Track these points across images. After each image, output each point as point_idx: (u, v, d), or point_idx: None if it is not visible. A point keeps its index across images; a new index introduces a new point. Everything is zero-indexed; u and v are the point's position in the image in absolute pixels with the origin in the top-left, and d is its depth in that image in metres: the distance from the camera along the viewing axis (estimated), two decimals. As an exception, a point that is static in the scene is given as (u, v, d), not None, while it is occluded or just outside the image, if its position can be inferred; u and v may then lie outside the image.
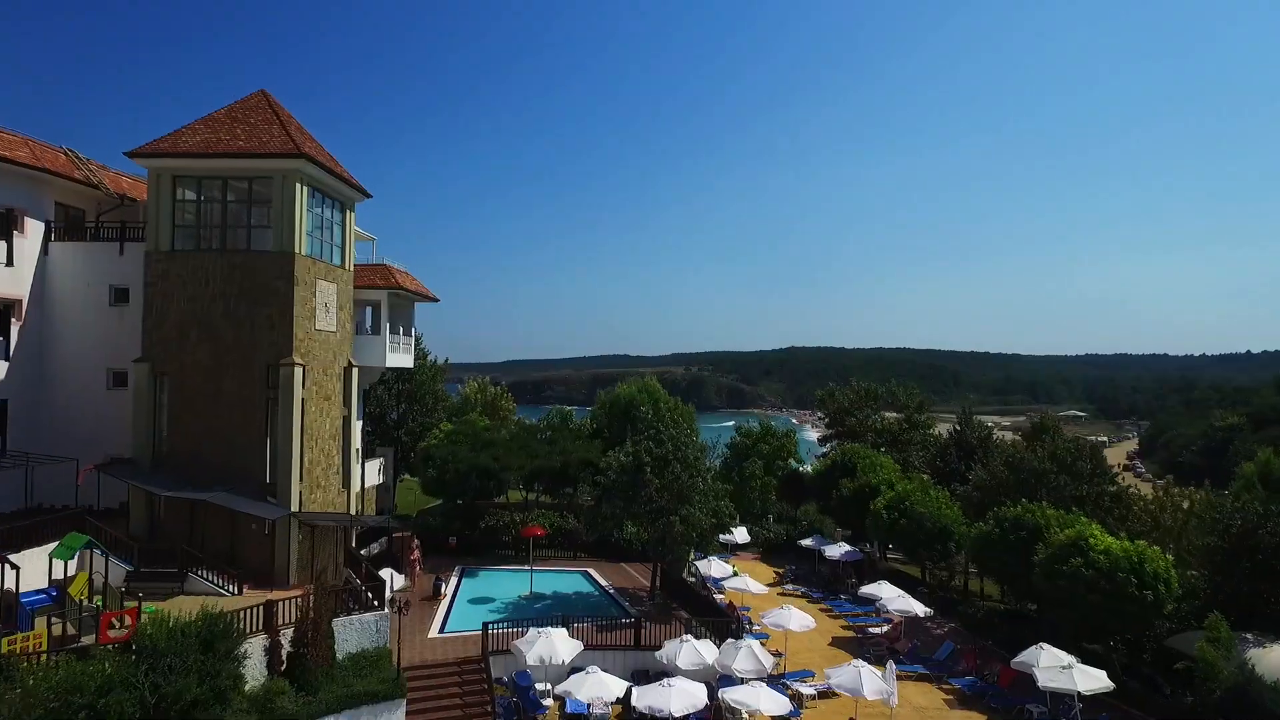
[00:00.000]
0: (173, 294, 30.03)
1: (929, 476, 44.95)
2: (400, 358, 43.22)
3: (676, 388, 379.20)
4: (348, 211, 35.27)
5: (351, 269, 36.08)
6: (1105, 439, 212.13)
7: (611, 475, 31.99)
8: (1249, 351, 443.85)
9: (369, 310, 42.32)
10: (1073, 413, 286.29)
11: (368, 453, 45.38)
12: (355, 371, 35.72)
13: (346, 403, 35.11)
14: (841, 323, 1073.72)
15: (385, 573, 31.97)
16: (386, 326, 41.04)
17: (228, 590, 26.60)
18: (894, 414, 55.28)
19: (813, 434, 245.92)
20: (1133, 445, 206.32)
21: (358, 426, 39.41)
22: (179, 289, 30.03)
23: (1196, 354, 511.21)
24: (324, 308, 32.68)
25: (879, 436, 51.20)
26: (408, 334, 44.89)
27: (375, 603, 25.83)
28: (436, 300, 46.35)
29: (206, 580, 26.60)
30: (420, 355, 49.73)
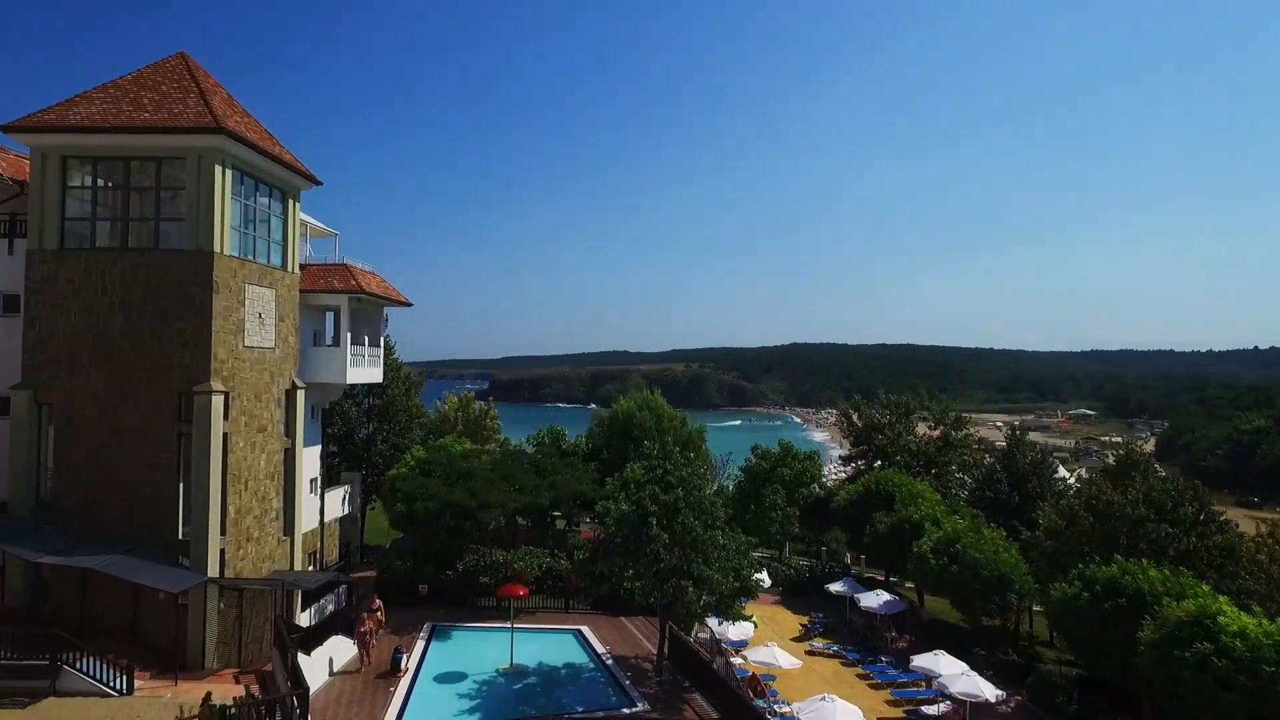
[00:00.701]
0: (61, 303, 24.20)
1: (974, 509, 39.32)
2: (365, 372, 37.41)
3: (677, 386, 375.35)
4: (290, 201, 29.41)
5: (297, 270, 30.25)
6: (1119, 439, 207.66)
7: (610, 526, 26.25)
8: (1256, 348, 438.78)
9: (330, 317, 36.54)
10: (1082, 411, 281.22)
11: (329, 481, 39.80)
12: (301, 394, 29.93)
13: (290, 431, 29.34)
14: (844, 319, 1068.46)
15: (328, 648, 26.17)
16: (348, 336, 35.22)
17: (114, 687, 20.81)
18: (928, 426, 49.40)
19: (818, 435, 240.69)
20: (1147, 445, 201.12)
21: (310, 455, 33.74)
22: (69, 297, 24.20)
23: (1203, 349, 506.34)
24: (256, 319, 26.86)
25: (913, 458, 45.44)
26: (375, 343, 39.07)
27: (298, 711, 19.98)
28: (408, 304, 40.59)
29: (87, 674, 20.79)
30: (393, 365, 43.94)
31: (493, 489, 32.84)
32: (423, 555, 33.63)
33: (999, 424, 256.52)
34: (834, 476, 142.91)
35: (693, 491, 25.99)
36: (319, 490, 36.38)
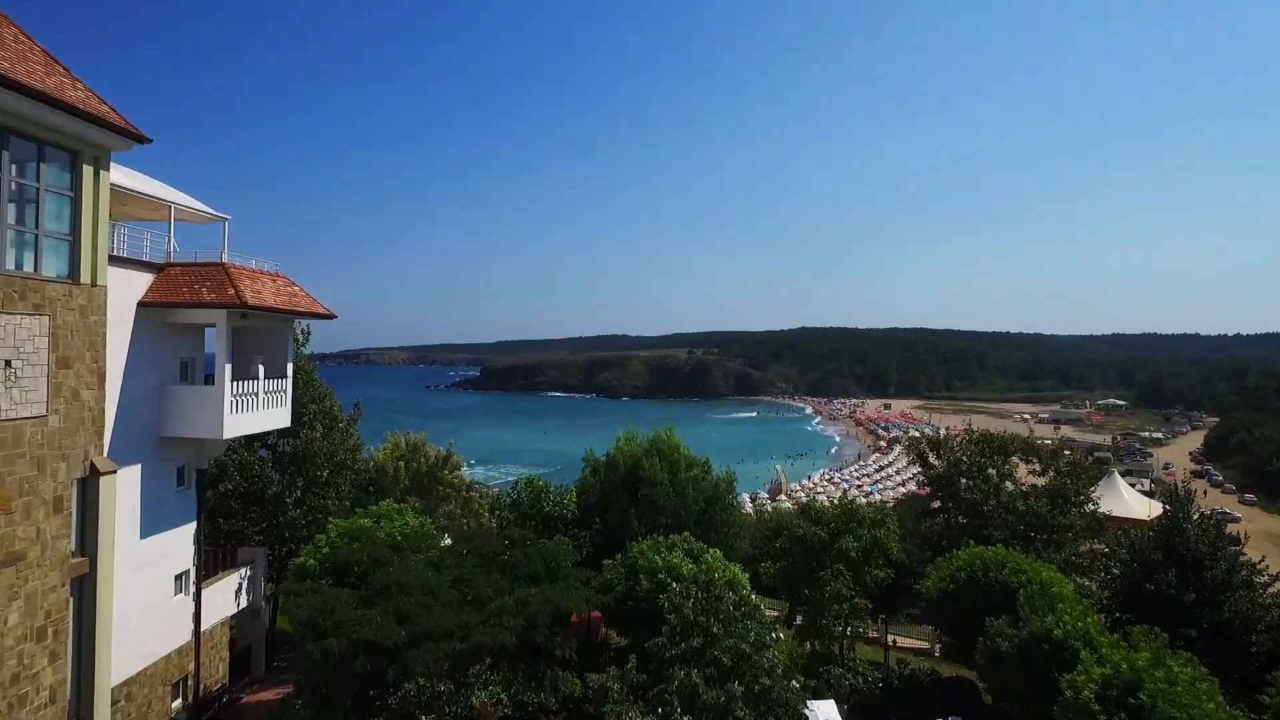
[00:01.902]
0: None
1: (1116, 607, 28.60)
2: (258, 418, 26.65)
3: (679, 373, 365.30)
4: (89, 169, 18.40)
5: (103, 280, 19.33)
6: (1160, 435, 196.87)
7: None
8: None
9: (210, 334, 25.80)
10: (1112, 401, 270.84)
11: (218, 565, 29.33)
12: (111, 480, 19.11)
13: (89, 542, 18.57)
14: (854, 301, 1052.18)
15: None
16: (227, 371, 24.44)
17: None
18: (1032, 469, 37.90)
19: (832, 431, 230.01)
20: (1190, 440, 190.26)
21: (172, 542, 23.29)
22: None
23: (1230, 333, 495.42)
24: (3, 370, 15.99)
25: (1018, 519, 34.13)
26: (281, 373, 28.26)
27: None
28: (329, 316, 29.79)
29: None
30: (316, 396, 33.04)
31: (434, 610, 22.02)
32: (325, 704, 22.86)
33: (1025, 415, 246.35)
34: (859, 483, 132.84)
35: (757, 676, 15.14)
36: (189, 587, 25.95)
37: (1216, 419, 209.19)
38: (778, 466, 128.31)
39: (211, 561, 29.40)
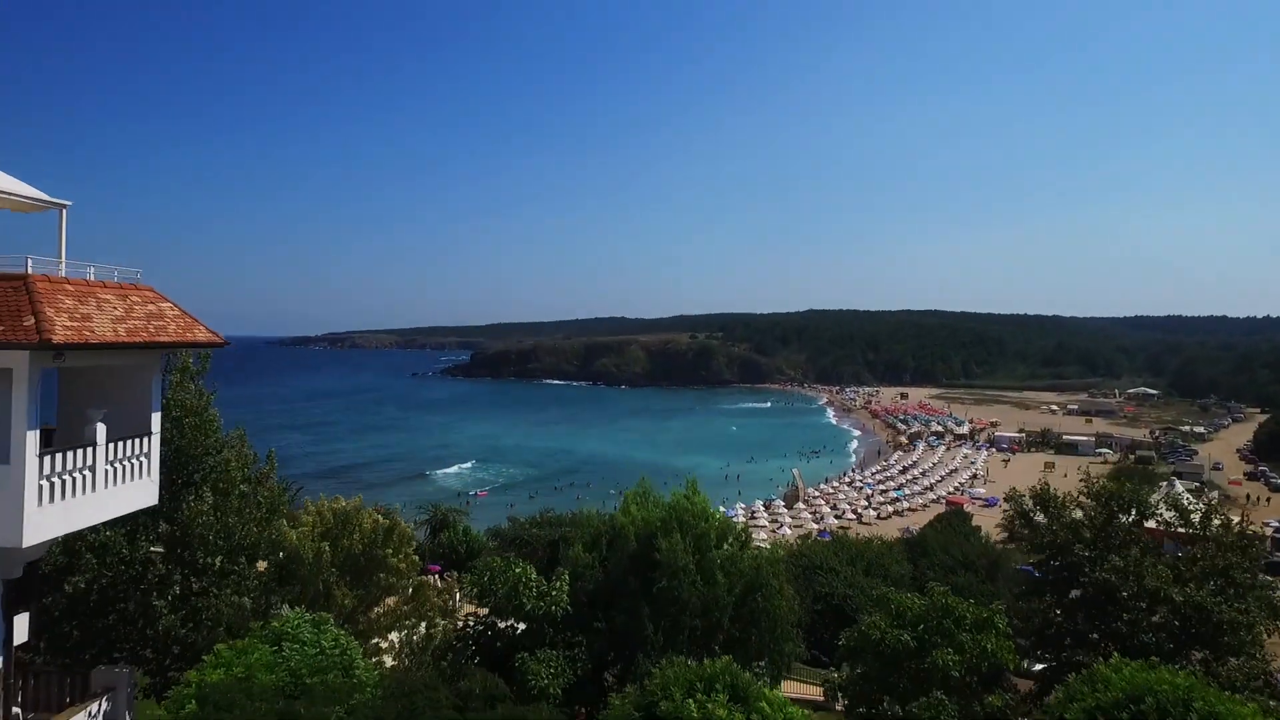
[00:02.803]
0: None
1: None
2: (89, 507, 18.26)
3: (682, 360, 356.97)
4: None
5: None
6: (1201, 428, 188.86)
7: None
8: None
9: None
10: (1142, 390, 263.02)
11: (64, 696, 21.18)
12: None
13: None
14: (864, 282, 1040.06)
15: None
16: (32, 440, 16.15)
17: None
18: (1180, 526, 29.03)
19: (847, 425, 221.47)
20: (1234, 434, 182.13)
21: None
22: None
23: (1259, 315, 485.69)
24: None
25: (1172, 610, 25.49)
26: (141, 430, 19.79)
27: None
28: (220, 345, 21.26)
29: None
30: (212, 448, 24.62)
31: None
32: None
33: (1053, 406, 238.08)
34: (883, 487, 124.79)
35: None
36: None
37: (1260, 410, 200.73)
38: (794, 471, 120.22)
39: (55, 690, 21.18)
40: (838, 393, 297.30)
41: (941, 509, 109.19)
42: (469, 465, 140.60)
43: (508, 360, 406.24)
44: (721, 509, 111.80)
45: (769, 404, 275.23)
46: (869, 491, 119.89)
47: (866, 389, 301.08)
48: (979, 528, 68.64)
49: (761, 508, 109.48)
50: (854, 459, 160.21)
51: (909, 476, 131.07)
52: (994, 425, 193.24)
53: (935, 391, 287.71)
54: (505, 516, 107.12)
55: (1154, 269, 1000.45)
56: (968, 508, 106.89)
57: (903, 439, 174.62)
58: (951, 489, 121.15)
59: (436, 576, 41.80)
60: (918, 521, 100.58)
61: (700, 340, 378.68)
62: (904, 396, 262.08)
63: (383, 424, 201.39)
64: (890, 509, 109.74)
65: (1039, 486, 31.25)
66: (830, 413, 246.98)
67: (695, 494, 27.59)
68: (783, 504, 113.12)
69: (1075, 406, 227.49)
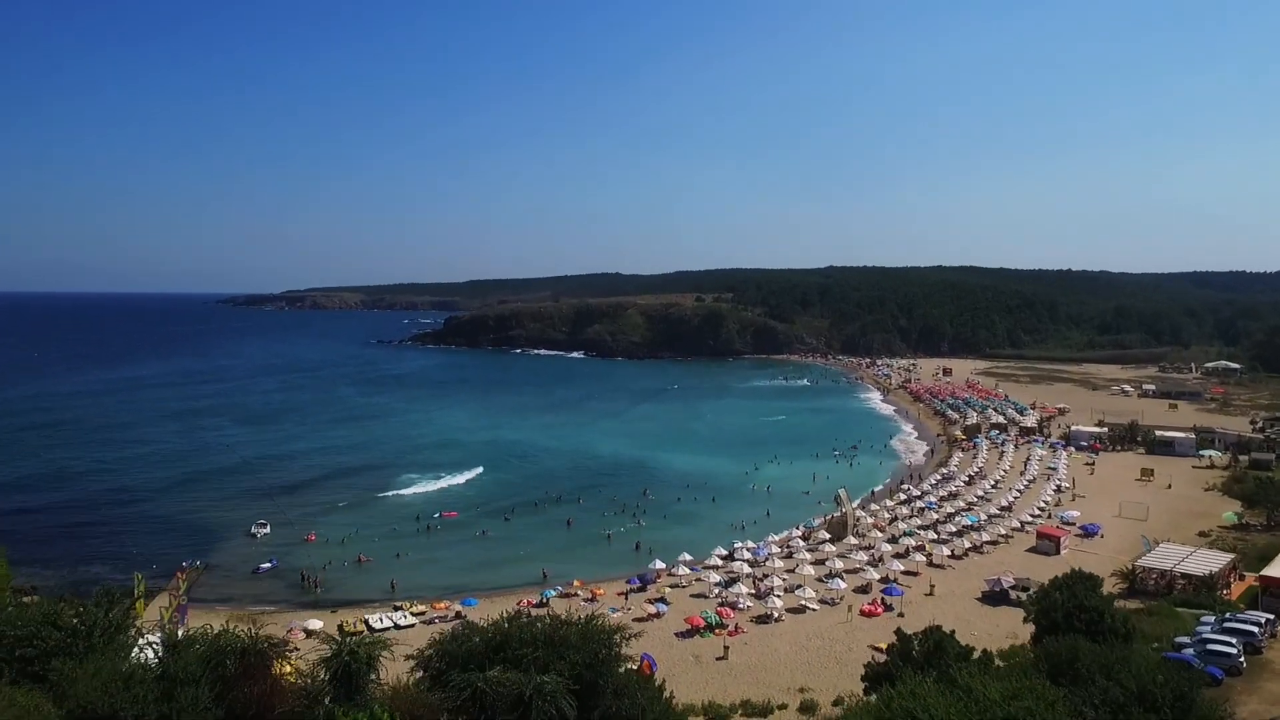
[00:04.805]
0: None
1: None
2: None
3: (687, 326, 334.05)
4: None
5: None
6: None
7: None
8: None
9: None
10: (1223, 364, 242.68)
11: None
12: None
13: None
14: (891, 234, 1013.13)
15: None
16: None
17: None
18: None
19: (887, 409, 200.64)
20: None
21: None
22: None
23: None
24: None
25: None
26: None
27: None
28: None
29: None
30: None
31: None
32: None
33: (1126, 387, 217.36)
34: (952, 513, 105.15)
35: None
36: None
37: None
38: (841, 492, 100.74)
39: None
40: (869, 366, 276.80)
41: (1030, 540, 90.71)
42: (437, 476, 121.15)
43: (485, 326, 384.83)
44: (749, 544, 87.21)
45: (796, 381, 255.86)
46: (933, 514, 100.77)
47: (901, 362, 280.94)
48: (1097, 580, 48.16)
49: (800, 540, 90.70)
50: (902, 459, 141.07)
51: (980, 491, 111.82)
52: (1061, 412, 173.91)
53: (981, 365, 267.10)
54: (478, 557, 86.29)
55: (1212, 220, 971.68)
56: (1065, 542, 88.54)
57: (957, 432, 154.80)
58: (1036, 509, 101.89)
59: None
60: (1005, 562, 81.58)
61: (707, 304, 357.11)
62: (947, 373, 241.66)
63: (338, 414, 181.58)
64: (966, 544, 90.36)
65: None
66: (865, 395, 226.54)
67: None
68: (826, 533, 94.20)
69: (1152, 388, 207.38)
